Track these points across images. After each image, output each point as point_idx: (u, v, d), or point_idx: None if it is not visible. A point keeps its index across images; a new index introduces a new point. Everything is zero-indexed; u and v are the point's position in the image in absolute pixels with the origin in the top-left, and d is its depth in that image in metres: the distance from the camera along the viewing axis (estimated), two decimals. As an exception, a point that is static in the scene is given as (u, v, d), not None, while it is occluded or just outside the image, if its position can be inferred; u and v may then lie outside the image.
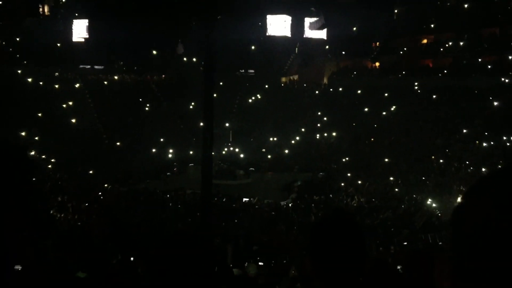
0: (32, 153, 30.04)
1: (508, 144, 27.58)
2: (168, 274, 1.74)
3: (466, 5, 37.92)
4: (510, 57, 34.85)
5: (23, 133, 32.03)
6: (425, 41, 41.94)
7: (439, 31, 39.73)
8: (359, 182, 27.18)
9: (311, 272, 1.60)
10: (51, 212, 17.31)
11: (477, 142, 29.22)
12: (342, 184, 27.46)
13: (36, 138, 32.23)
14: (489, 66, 35.16)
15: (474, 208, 0.79)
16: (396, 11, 41.43)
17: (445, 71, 37.62)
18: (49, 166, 29.02)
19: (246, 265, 9.02)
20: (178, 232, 1.91)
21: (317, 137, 36.14)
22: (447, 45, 39.18)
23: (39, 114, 35.02)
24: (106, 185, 25.24)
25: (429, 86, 36.17)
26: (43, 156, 30.22)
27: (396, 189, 25.50)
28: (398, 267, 5.69)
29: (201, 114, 9.71)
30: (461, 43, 37.84)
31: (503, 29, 36.03)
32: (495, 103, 31.38)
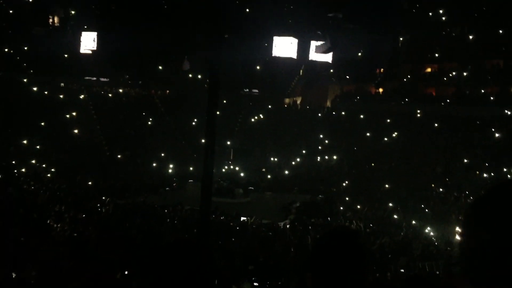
0: (33, 161, 30.10)
1: (508, 175, 27.55)
2: (166, 283, 1.71)
3: (470, 36, 38.30)
4: (512, 89, 35.07)
5: (24, 141, 32.11)
6: (429, 69, 42.24)
7: (443, 61, 40.05)
8: (358, 206, 27.11)
9: (311, 287, 1.57)
10: (48, 222, 17.25)
11: (477, 172, 29.20)
12: (341, 207, 27.37)
13: (38, 146, 32.29)
14: (492, 97, 35.35)
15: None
16: (401, 38, 41.81)
17: (448, 100, 37.80)
18: (48, 175, 28.98)
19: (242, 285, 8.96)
20: (178, 240, 1.88)
21: (318, 160, 36.15)
22: (450, 75, 39.45)
23: (42, 123, 35.12)
24: (104, 197, 25.17)
25: (431, 114, 36.30)
26: (43, 165, 30.22)
27: (395, 216, 25.39)
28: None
29: (203, 130, 9.76)
30: (465, 73, 38.11)
31: (506, 60, 36.33)
32: (497, 134, 31.46)
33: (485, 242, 0.79)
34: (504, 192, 0.84)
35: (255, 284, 10.48)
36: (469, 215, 0.87)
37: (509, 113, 32.83)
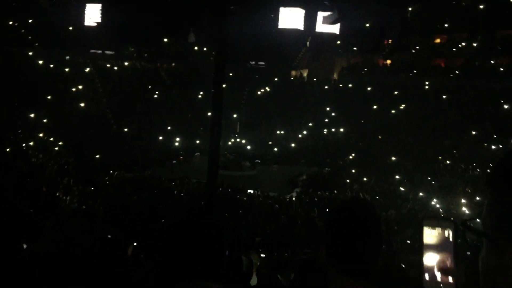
0: (40, 135, 30.28)
1: (516, 148, 27.41)
2: (177, 255, 1.71)
3: (481, 6, 37.50)
4: (523, 60, 34.52)
5: (31, 115, 32.22)
6: (438, 40, 41.60)
7: (452, 31, 39.38)
8: (365, 179, 27.16)
9: (326, 262, 1.55)
10: (57, 194, 17.45)
11: (485, 144, 29.05)
12: (348, 180, 27.45)
13: (45, 120, 32.42)
14: (502, 69, 34.83)
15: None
16: (410, 9, 41.04)
17: (457, 72, 37.32)
18: (56, 148, 29.19)
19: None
20: (190, 213, 1.88)
21: (325, 132, 36.09)
22: (460, 46, 38.84)
23: (48, 97, 35.16)
24: (111, 171, 25.37)
25: (440, 86, 35.93)
26: (51, 139, 30.40)
27: (401, 188, 25.45)
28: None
29: (209, 104, 9.71)
30: (474, 44, 37.49)
31: (518, 31, 35.68)
32: (506, 106, 31.13)
33: None
34: None
35: (262, 255, 10.60)
36: (493, 181, 0.85)
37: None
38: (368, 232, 1.51)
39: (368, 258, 1.51)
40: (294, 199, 22.93)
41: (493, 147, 28.32)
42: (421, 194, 24.16)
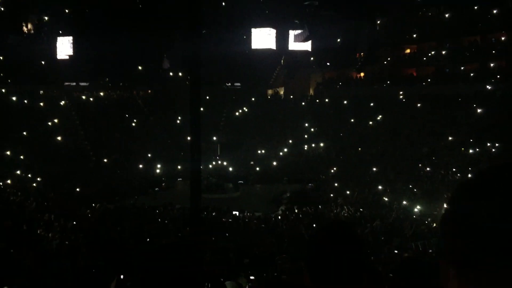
0: (18, 172, 29.68)
1: (493, 149, 27.91)
2: (158, 285, 1.70)
3: (446, 15, 38.57)
4: (491, 64, 35.41)
5: (8, 152, 31.63)
6: (408, 50, 42.48)
7: (421, 41, 40.30)
8: (348, 192, 27.26)
9: (308, 284, 1.55)
10: (38, 231, 17.04)
11: (462, 149, 29.52)
12: (331, 194, 27.51)
13: (22, 157, 31.84)
14: (472, 74, 35.70)
15: (468, 209, 0.81)
16: (378, 22, 41.95)
17: (429, 80, 38.09)
18: (34, 184, 28.62)
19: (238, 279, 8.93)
20: (168, 244, 1.87)
21: (305, 148, 36.25)
22: (429, 54, 39.72)
23: (24, 133, 34.62)
24: (93, 203, 24.95)
25: (413, 95, 36.56)
26: (29, 175, 29.83)
27: (385, 198, 25.60)
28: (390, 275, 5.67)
29: (188, 128, 9.67)
30: (443, 52, 38.40)
31: (484, 37, 36.66)
32: (479, 110, 31.80)
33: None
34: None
35: (251, 277, 10.47)
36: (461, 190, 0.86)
37: (489, 88, 33.18)
38: (349, 255, 1.51)
39: (351, 280, 1.51)
40: (279, 217, 22.84)
41: (471, 151, 28.79)
42: (404, 202, 24.33)
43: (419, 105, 35.76)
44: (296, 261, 12.25)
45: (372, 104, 37.79)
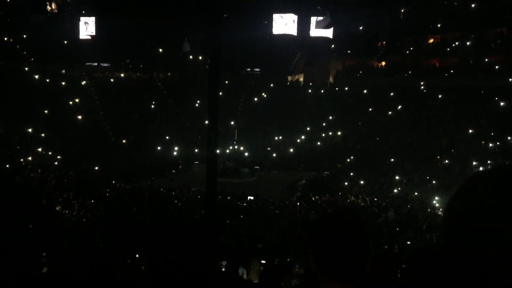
0: (39, 149, 30.25)
1: (513, 144, 27.45)
2: (172, 266, 1.75)
3: (472, 5, 37.70)
4: (517, 57, 34.63)
5: (29, 130, 32.22)
6: (431, 40, 41.76)
7: (445, 31, 39.55)
8: (363, 181, 27.16)
9: (314, 268, 1.59)
10: (57, 208, 17.41)
11: (482, 142, 29.09)
12: (347, 183, 27.44)
13: (42, 134, 32.40)
14: (496, 66, 34.97)
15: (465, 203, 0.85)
16: (402, 10, 41.26)
17: (451, 71, 37.45)
18: (55, 163, 29.14)
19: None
20: (184, 224, 1.92)
21: (322, 136, 36.11)
22: (453, 45, 38.99)
23: (46, 111, 35.17)
24: (110, 183, 25.33)
25: (435, 86, 36.03)
26: (49, 153, 30.36)
27: (401, 189, 25.46)
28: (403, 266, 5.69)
29: (206, 112, 9.73)
30: (468, 43, 37.65)
31: (510, 29, 35.79)
32: (501, 103, 31.22)
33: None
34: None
35: (263, 261, 10.56)
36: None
37: (513, 81, 32.49)
38: (352, 242, 1.55)
39: (354, 266, 1.55)
40: (294, 204, 22.91)
41: (491, 144, 28.35)
42: (420, 194, 24.16)
43: (440, 96, 35.26)
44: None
45: (392, 94, 37.37)
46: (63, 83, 39.65)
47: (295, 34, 31.41)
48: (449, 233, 0.89)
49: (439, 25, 39.97)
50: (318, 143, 35.40)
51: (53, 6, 44.67)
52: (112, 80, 42.75)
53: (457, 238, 0.85)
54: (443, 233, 0.92)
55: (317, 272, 1.58)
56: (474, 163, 26.82)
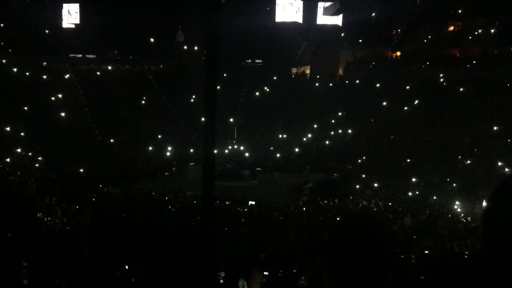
0: (18, 150, 30.29)
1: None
2: (165, 274, 1.74)
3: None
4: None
5: (7, 128, 32.25)
6: (451, 28, 41.69)
7: (466, 17, 39.49)
8: (377, 184, 27.14)
9: (327, 278, 1.57)
10: (38, 215, 17.42)
11: (509, 140, 29.05)
12: (358, 186, 27.43)
13: (22, 134, 32.43)
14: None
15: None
16: (419, -6, 41.24)
17: (474, 62, 37.39)
18: (36, 165, 29.17)
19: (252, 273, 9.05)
20: (179, 228, 1.91)
21: (331, 135, 36.10)
22: (476, 33, 38.92)
23: (25, 108, 35.19)
24: (97, 187, 25.34)
25: (456, 78, 35.98)
26: (30, 154, 30.39)
27: (418, 192, 25.44)
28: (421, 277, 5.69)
29: (202, 108, 9.73)
30: (492, 31, 37.57)
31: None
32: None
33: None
34: None
35: (266, 273, 10.58)
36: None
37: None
38: (371, 250, 1.53)
39: (372, 276, 1.53)
40: (300, 209, 22.90)
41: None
42: (440, 198, 24.14)
43: (461, 89, 35.20)
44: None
45: (408, 87, 37.33)
46: (45, 77, 39.67)
47: (301, 22, 31.45)
48: (488, 237, 0.91)
49: (460, 11, 39.92)
50: (327, 142, 35.38)
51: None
52: (98, 73, 42.79)
53: (497, 241, 0.87)
54: (481, 237, 0.94)
55: (330, 284, 1.56)
56: (499, 163, 26.76)
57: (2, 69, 38.57)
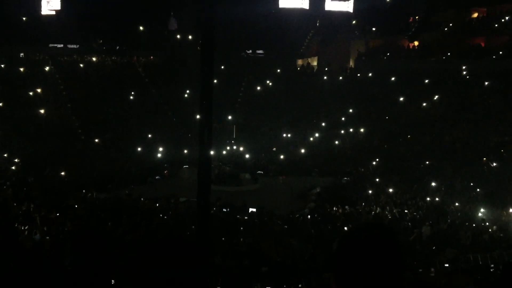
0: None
1: None
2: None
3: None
4: None
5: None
6: (475, 14, 41.69)
7: (492, 3, 39.48)
8: (392, 189, 27.15)
9: None
10: (15, 224, 17.45)
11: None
12: (371, 191, 27.45)
13: (-4, 133, 32.51)
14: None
15: None
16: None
17: (500, 52, 37.38)
18: (12, 167, 29.22)
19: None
20: (169, 239, 1.91)
21: (341, 134, 36.10)
22: (503, 20, 38.91)
23: (0, 104, 35.24)
24: (81, 192, 25.38)
25: (480, 71, 35.97)
26: (5, 155, 30.44)
27: (438, 198, 25.44)
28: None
29: (198, 104, 9.77)
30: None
31: None
32: None
33: None
34: None
35: (269, 288, 10.62)
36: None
37: None
38: (385, 265, 1.53)
39: None
40: (306, 217, 22.93)
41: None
42: (462, 205, 24.13)
43: (486, 83, 35.19)
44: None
45: (427, 81, 37.32)
46: (22, 69, 39.70)
47: (307, 8, 31.50)
48: None
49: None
50: (336, 142, 35.39)
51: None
52: (81, 65, 42.80)
53: None
54: None
55: None
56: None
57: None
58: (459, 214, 22.94)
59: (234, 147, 35.58)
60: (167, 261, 1.77)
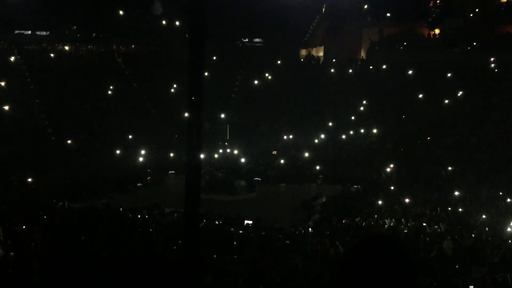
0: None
1: None
2: None
3: None
4: None
5: None
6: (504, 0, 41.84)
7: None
8: (409, 199, 27.17)
9: None
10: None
11: None
12: (384, 201, 27.46)
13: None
14: None
15: None
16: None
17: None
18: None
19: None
20: (152, 256, 1.91)
21: (350, 135, 36.10)
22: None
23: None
24: (51, 201, 25.36)
25: (510, 63, 36.03)
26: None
27: (462, 210, 25.46)
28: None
29: (185, 100, 9.78)
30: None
31: None
32: None
33: None
34: None
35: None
36: None
37: None
38: (394, 279, 1.55)
39: None
40: (310, 231, 22.95)
41: None
42: (488, 216, 24.15)
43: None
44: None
45: (449, 75, 37.36)
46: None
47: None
48: None
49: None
50: (345, 145, 35.38)
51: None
52: (52, 55, 42.76)
53: None
54: None
55: None
56: None
57: None
58: (486, 228, 22.95)
59: (228, 150, 35.58)
60: (149, 282, 1.78)
